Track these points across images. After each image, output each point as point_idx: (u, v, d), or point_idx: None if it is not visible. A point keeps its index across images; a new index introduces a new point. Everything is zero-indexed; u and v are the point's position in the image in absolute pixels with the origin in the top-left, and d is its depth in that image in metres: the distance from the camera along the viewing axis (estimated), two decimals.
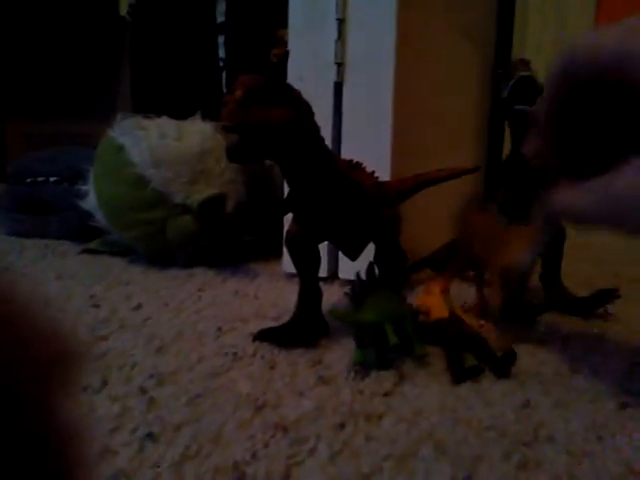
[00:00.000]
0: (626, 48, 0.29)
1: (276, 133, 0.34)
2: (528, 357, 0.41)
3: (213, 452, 0.28)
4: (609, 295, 0.51)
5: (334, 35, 0.58)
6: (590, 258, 0.77)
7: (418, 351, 0.40)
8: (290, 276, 0.62)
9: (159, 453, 0.28)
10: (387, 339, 0.38)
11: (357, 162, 0.45)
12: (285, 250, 0.56)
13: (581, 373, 0.39)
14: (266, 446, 0.29)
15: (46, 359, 0.14)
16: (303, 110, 0.36)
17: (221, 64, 1.38)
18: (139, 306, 0.52)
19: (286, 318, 0.45)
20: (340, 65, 0.59)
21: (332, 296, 0.54)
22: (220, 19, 1.49)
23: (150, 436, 0.29)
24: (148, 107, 0.73)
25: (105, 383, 0.35)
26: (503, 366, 0.38)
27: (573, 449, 0.29)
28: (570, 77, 0.32)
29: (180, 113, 0.72)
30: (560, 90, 0.32)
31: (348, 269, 0.60)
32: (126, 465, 0.27)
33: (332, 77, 0.59)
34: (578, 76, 0.31)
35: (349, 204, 0.42)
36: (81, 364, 0.15)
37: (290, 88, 0.36)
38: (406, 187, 0.51)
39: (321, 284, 0.46)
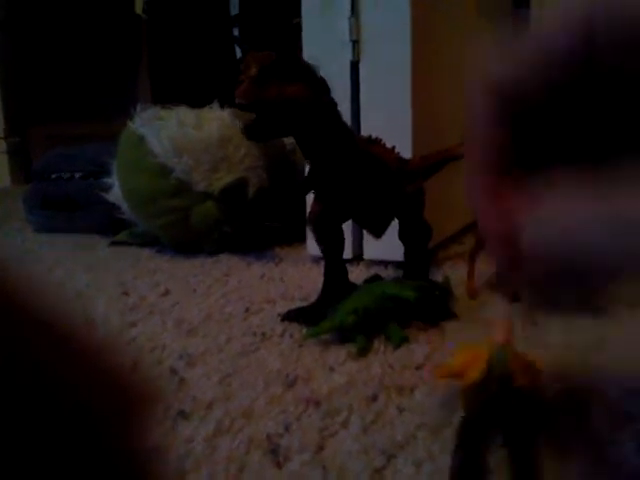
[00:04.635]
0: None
1: (292, 108, 0.34)
2: None
3: (246, 426, 0.28)
4: None
5: (348, 12, 0.58)
6: None
7: (358, 343, 0.37)
8: (315, 259, 0.62)
9: (192, 429, 0.28)
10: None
11: (376, 138, 0.44)
12: (309, 231, 0.56)
13: None
14: (299, 419, 0.29)
15: (123, 396, 0.14)
16: (319, 84, 0.36)
17: (238, 56, 1.39)
18: (167, 292, 0.52)
19: (313, 299, 0.45)
20: (355, 43, 0.58)
21: (357, 277, 0.54)
22: (234, 11, 1.49)
23: (182, 414, 0.30)
24: (167, 100, 0.73)
25: (137, 365, 0.36)
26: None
27: None
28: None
29: (198, 103, 0.72)
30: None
31: (373, 250, 0.60)
32: (160, 442, 0.27)
33: (348, 56, 0.59)
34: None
35: (370, 180, 0.41)
36: (154, 403, 0.15)
37: (304, 63, 0.35)
38: (429, 163, 0.50)
39: (347, 265, 0.46)
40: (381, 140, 0.44)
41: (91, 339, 0.14)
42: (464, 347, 0.28)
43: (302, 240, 0.65)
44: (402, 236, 0.46)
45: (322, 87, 0.36)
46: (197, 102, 0.72)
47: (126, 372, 0.15)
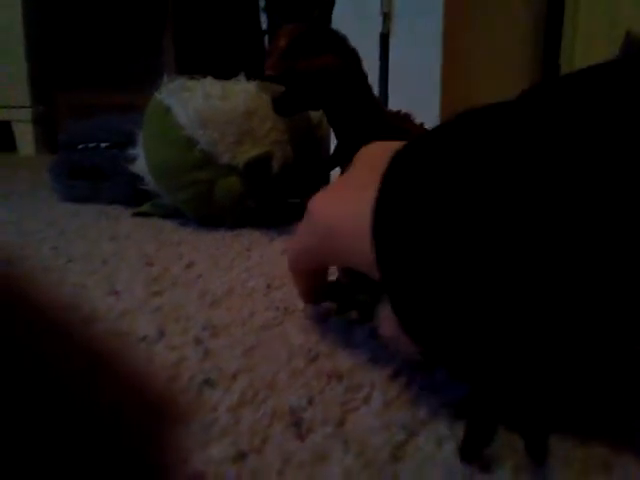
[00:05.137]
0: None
1: (322, 80, 0.34)
2: None
3: (269, 398, 0.29)
4: None
5: None
6: None
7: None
8: None
9: (217, 398, 0.29)
10: None
11: (406, 113, 0.43)
12: None
13: None
14: (321, 393, 0.29)
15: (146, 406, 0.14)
16: (349, 56, 0.35)
17: (264, 27, 1.37)
18: (191, 264, 0.53)
19: (334, 275, 0.45)
20: (386, 15, 0.57)
21: None
22: None
23: (207, 382, 0.30)
24: (192, 71, 0.73)
25: (162, 334, 0.36)
26: None
27: None
28: None
29: (223, 75, 0.71)
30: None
31: None
32: (186, 409, 0.28)
33: (378, 28, 0.57)
34: None
35: None
36: (178, 417, 0.16)
37: (335, 34, 0.35)
38: None
39: None
40: (410, 115, 0.44)
41: (125, 356, 0.14)
42: None
43: None
44: None
45: (353, 58, 0.36)
46: (222, 73, 0.71)
47: (157, 389, 0.15)
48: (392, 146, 0.28)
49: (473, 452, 0.24)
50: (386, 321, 0.29)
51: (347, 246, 0.29)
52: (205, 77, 0.68)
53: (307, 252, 0.34)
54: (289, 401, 0.28)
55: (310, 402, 0.28)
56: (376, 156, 0.29)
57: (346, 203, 0.30)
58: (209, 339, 0.36)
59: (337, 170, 0.43)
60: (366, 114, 0.37)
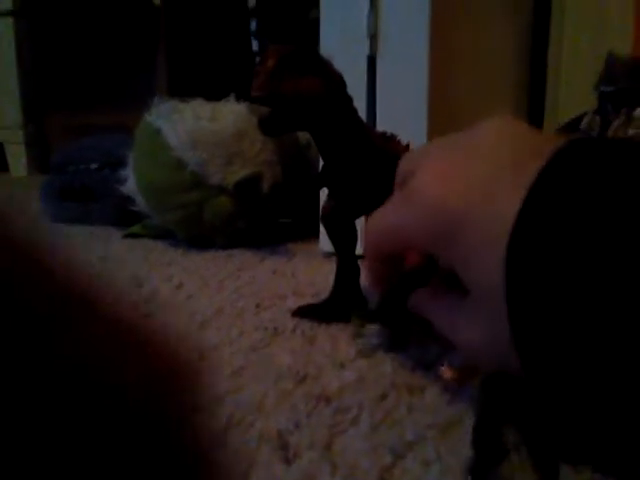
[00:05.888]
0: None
1: (308, 103, 0.34)
2: None
3: (256, 421, 0.28)
4: None
5: (367, 7, 0.57)
6: None
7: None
8: (327, 255, 0.62)
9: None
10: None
11: (392, 134, 0.44)
12: (321, 228, 0.56)
13: None
14: (309, 416, 0.29)
15: (164, 374, 0.15)
16: (335, 79, 0.36)
17: (254, 49, 1.38)
18: (180, 285, 0.53)
19: (324, 296, 0.45)
20: (373, 37, 0.58)
21: None
22: (251, 4, 1.48)
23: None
24: (184, 92, 0.73)
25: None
26: None
27: None
28: None
29: (215, 96, 0.72)
30: None
31: None
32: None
33: (365, 50, 0.58)
34: None
35: (384, 177, 0.41)
36: (195, 379, 0.16)
37: (321, 57, 0.35)
38: None
39: (360, 262, 0.45)
40: (397, 137, 0.44)
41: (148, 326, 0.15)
42: None
43: (315, 236, 0.65)
44: None
45: (338, 82, 0.36)
46: (214, 95, 0.72)
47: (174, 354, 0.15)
48: (539, 139, 0.23)
49: (482, 473, 0.23)
50: (471, 328, 0.25)
51: (466, 245, 0.23)
52: (195, 98, 0.69)
53: (400, 232, 0.27)
54: (277, 424, 0.28)
55: (297, 425, 0.28)
56: (520, 137, 0.24)
57: (473, 189, 0.23)
58: (197, 360, 0.36)
59: (324, 190, 0.43)
60: (350, 137, 0.37)
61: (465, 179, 0.23)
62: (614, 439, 0.21)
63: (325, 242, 0.61)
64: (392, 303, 0.34)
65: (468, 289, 0.24)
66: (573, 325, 0.19)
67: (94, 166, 0.82)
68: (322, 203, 0.44)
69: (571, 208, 0.19)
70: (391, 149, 0.41)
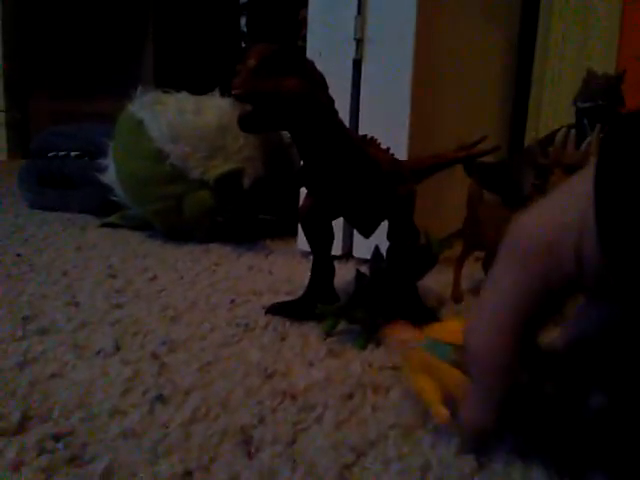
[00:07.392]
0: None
1: (288, 102, 0.34)
2: None
3: (221, 416, 0.29)
4: None
5: (354, 10, 0.58)
6: None
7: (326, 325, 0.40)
8: (305, 254, 0.62)
9: (168, 415, 0.29)
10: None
11: (372, 137, 0.44)
12: (299, 226, 0.56)
13: None
14: (274, 412, 0.29)
15: None
16: (316, 80, 0.36)
17: (243, 45, 1.38)
18: (155, 278, 0.53)
19: (299, 293, 0.46)
20: (359, 41, 0.58)
21: (347, 274, 0.54)
22: (243, 0, 1.48)
23: (160, 398, 0.30)
24: (169, 83, 0.73)
25: (118, 348, 0.36)
26: None
27: None
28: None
29: (200, 89, 0.72)
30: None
31: (363, 248, 0.60)
32: (136, 425, 0.27)
33: (351, 54, 0.59)
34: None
35: (362, 179, 0.41)
36: None
37: (303, 57, 0.35)
38: (422, 166, 0.50)
39: (336, 262, 0.46)
40: (376, 140, 0.44)
41: None
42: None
43: (294, 234, 0.66)
44: (390, 237, 0.46)
45: (320, 83, 0.36)
46: (199, 88, 0.72)
47: None
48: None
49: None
50: (477, 335, 0.25)
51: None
52: (180, 90, 0.69)
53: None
54: (241, 419, 0.28)
55: (262, 421, 0.28)
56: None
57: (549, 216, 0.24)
58: (166, 354, 0.36)
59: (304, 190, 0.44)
60: (330, 138, 0.38)
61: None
62: None
63: (303, 241, 0.61)
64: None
65: None
66: None
67: (74, 154, 0.81)
68: (301, 202, 0.44)
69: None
70: (370, 152, 0.42)
